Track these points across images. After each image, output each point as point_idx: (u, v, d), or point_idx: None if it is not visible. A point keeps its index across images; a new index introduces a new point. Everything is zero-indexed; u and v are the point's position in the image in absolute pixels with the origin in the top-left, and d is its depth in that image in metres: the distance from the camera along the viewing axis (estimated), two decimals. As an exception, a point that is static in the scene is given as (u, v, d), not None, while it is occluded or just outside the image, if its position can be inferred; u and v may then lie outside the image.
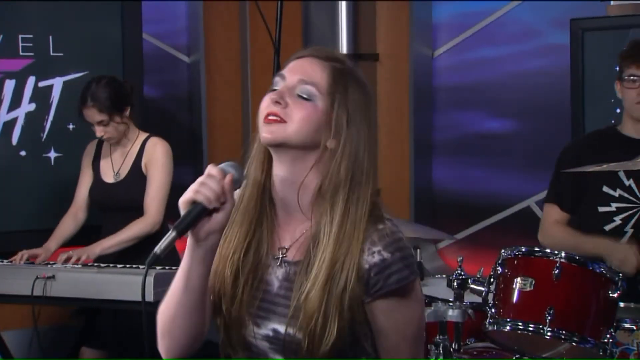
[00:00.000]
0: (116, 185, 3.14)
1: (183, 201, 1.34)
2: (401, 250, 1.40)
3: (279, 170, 1.43)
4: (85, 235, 3.24)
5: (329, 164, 1.39)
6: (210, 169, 1.36)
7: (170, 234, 1.31)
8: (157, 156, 3.11)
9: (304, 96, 1.40)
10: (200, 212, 1.32)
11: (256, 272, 1.43)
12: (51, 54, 3.64)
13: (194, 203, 1.33)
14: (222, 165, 1.38)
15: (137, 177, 3.10)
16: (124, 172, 3.13)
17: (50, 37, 3.64)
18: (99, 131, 3.07)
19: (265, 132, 1.39)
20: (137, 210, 3.08)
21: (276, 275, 1.43)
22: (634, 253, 2.58)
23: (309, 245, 1.40)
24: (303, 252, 1.41)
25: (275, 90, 1.42)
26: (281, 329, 1.40)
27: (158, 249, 1.30)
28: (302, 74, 1.40)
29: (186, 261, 1.38)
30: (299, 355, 1.39)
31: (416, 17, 4.21)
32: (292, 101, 1.40)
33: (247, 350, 1.44)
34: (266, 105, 1.41)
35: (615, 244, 2.62)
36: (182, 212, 1.34)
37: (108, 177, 3.16)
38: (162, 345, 1.44)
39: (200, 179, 1.34)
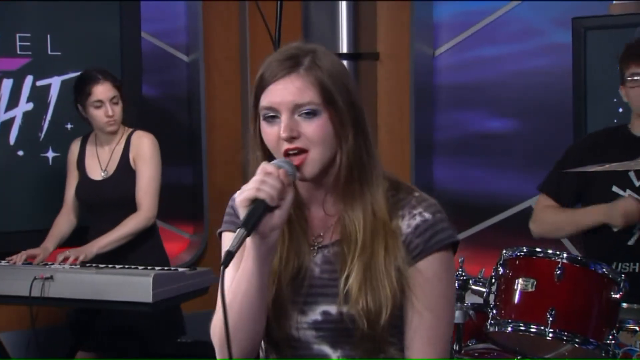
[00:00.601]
0: (104, 182, 3.13)
1: (243, 199, 1.35)
2: (441, 212, 1.46)
3: (305, 193, 1.48)
4: (76, 237, 3.24)
5: (341, 151, 1.43)
6: (265, 167, 1.37)
7: (241, 233, 1.32)
8: (145, 149, 3.10)
9: (309, 113, 1.41)
10: (264, 209, 1.34)
11: (294, 263, 1.45)
12: (49, 53, 3.64)
13: (254, 201, 1.35)
14: (273, 162, 1.40)
15: (125, 172, 3.10)
16: (111, 169, 3.13)
17: (48, 36, 3.64)
18: (110, 110, 3.05)
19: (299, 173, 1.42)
20: (127, 207, 3.07)
21: (314, 261, 1.46)
22: (634, 202, 2.56)
23: (342, 227, 1.44)
24: (338, 233, 1.45)
25: (269, 120, 1.43)
26: (332, 309, 1.42)
27: (232, 247, 1.31)
28: (292, 97, 1.41)
29: (250, 263, 1.39)
30: (353, 335, 1.41)
31: (417, 16, 4.21)
32: (301, 127, 1.41)
33: (288, 344, 1.46)
34: (278, 144, 1.42)
35: (612, 203, 2.60)
36: (242, 210, 1.35)
37: (95, 174, 3.15)
38: (222, 355, 1.43)
39: (258, 177, 1.36)
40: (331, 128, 1.42)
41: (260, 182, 1.35)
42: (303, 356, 1.45)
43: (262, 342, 1.49)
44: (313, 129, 1.40)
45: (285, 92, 1.41)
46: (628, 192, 2.66)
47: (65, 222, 3.22)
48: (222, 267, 1.31)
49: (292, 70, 1.42)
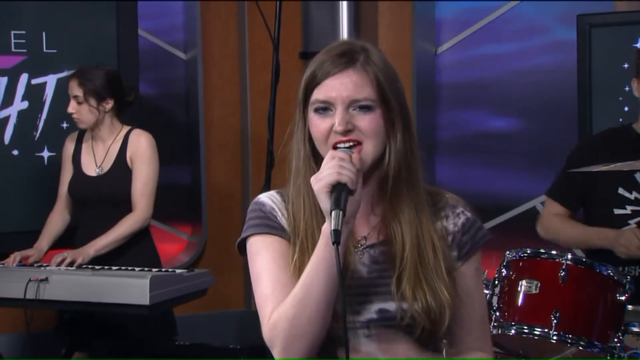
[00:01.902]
0: (99, 178, 3.13)
1: (326, 184, 1.39)
2: (473, 211, 1.55)
3: None
4: (65, 235, 3.23)
5: (390, 150, 1.48)
6: (336, 153, 1.42)
7: (338, 213, 1.36)
8: (143, 148, 3.11)
9: (364, 108, 1.46)
10: (348, 192, 1.39)
11: (343, 267, 1.46)
12: (44, 50, 3.64)
13: (335, 186, 1.38)
14: (339, 149, 1.44)
15: (121, 170, 3.10)
16: (107, 166, 3.12)
17: (44, 34, 3.64)
18: (71, 107, 3.08)
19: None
20: (120, 205, 3.07)
21: (362, 262, 1.50)
22: (636, 235, 2.56)
23: (388, 227, 1.49)
24: (383, 233, 1.50)
25: (321, 112, 1.47)
26: (390, 306, 1.46)
27: (336, 226, 1.35)
28: (349, 92, 1.45)
29: (326, 253, 1.40)
30: (412, 332, 1.45)
31: (419, 14, 4.20)
32: (355, 121, 1.45)
33: (337, 343, 1.46)
34: (329, 137, 1.46)
35: (619, 232, 2.60)
36: (324, 196, 1.38)
37: (90, 170, 3.15)
38: (286, 352, 1.43)
39: (335, 163, 1.39)
40: (383, 124, 1.47)
41: (340, 167, 1.39)
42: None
43: None
44: (367, 122, 1.46)
45: (342, 86, 1.45)
46: (634, 194, 2.66)
47: (58, 219, 3.22)
48: (334, 245, 1.35)
49: (348, 66, 1.47)
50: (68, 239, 3.21)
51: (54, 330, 3.20)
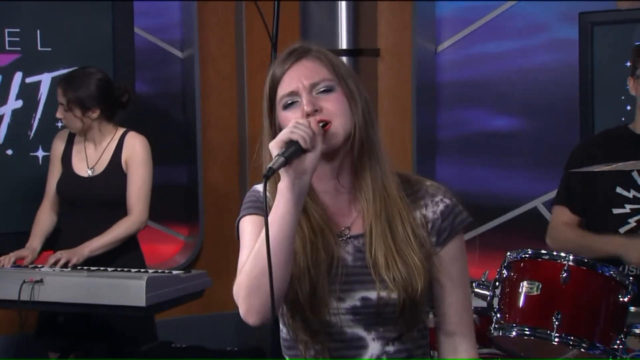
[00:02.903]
0: (92, 179, 3.12)
1: (278, 141, 1.49)
2: (454, 197, 1.65)
3: (319, 169, 1.57)
4: (52, 235, 3.23)
5: (355, 125, 1.58)
6: (296, 119, 1.52)
7: (278, 159, 1.47)
8: (138, 152, 3.11)
9: (326, 89, 1.58)
10: (297, 148, 1.48)
11: (327, 258, 1.58)
12: (39, 48, 3.65)
13: (288, 143, 1.49)
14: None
15: (116, 172, 3.10)
16: (100, 167, 3.12)
17: (38, 32, 3.64)
18: (59, 112, 3.11)
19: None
20: (112, 208, 3.07)
21: (346, 250, 1.60)
22: None
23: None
24: (366, 222, 1.59)
25: (289, 106, 1.57)
26: (371, 295, 1.56)
27: (273, 164, 1.46)
28: (308, 77, 1.57)
29: (281, 207, 1.51)
30: (392, 313, 1.55)
31: (419, 11, 4.21)
32: (321, 102, 1.56)
33: (323, 329, 1.57)
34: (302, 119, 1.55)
35: (631, 241, 2.61)
36: (275, 151, 1.48)
37: (81, 170, 3.15)
38: (248, 304, 1.52)
39: (292, 124, 1.50)
40: (346, 101, 1.58)
41: (294, 127, 1.50)
42: (338, 340, 1.58)
43: (293, 335, 1.60)
44: (332, 102, 1.57)
45: (300, 75, 1.57)
46: (632, 192, 2.67)
47: (47, 218, 3.21)
48: (264, 179, 1.46)
49: (302, 56, 1.59)
50: (53, 239, 3.21)
51: (35, 334, 3.18)
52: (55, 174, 3.20)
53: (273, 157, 1.48)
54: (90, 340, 3.11)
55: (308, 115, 1.54)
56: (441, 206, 1.62)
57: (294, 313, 1.59)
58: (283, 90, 1.57)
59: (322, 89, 1.57)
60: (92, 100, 3.07)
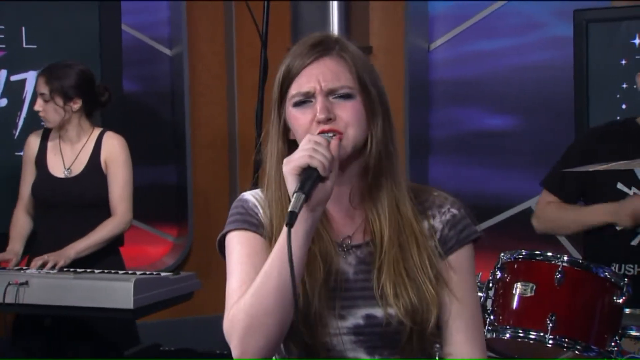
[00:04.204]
0: (68, 181, 3.10)
1: (296, 166, 1.37)
2: (464, 208, 1.55)
3: None
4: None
5: (372, 139, 1.47)
6: (314, 137, 1.39)
7: (300, 196, 1.34)
8: (118, 152, 3.09)
9: (344, 96, 1.46)
10: (317, 177, 1.36)
11: (321, 265, 1.45)
12: (24, 46, 3.63)
13: (306, 170, 1.36)
14: (321, 134, 1.43)
15: (94, 173, 3.08)
16: (78, 168, 3.10)
17: (23, 28, 3.62)
18: (37, 104, 3.06)
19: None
20: (89, 208, 3.05)
21: (348, 262, 1.48)
22: None
23: (372, 226, 1.48)
24: (369, 232, 1.49)
25: (300, 105, 1.46)
26: (377, 312, 1.44)
27: (294, 208, 1.33)
28: (328, 79, 1.45)
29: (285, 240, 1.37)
30: (400, 338, 1.43)
31: (412, 8, 4.21)
32: (336, 109, 1.45)
33: (320, 352, 1.45)
34: (310, 128, 1.45)
35: (619, 204, 2.61)
36: (292, 178, 1.37)
37: (57, 172, 3.12)
38: (245, 346, 1.39)
39: (309, 146, 1.37)
40: (364, 112, 1.46)
41: (313, 151, 1.37)
42: None
43: (285, 350, 1.48)
44: (348, 110, 1.45)
45: (320, 76, 1.45)
46: (633, 189, 2.67)
47: (24, 220, 3.19)
48: (287, 227, 1.32)
49: (324, 54, 1.46)
50: (28, 242, 3.19)
51: (12, 337, 3.16)
52: (29, 175, 3.17)
53: (288, 183, 1.36)
54: (73, 344, 3.09)
55: (319, 122, 1.43)
56: (448, 216, 1.52)
57: (287, 334, 1.43)
58: (298, 87, 1.45)
59: (340, 94, 1.45)
60: (75, 90, 3.05)
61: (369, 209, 1.48)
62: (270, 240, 1.47)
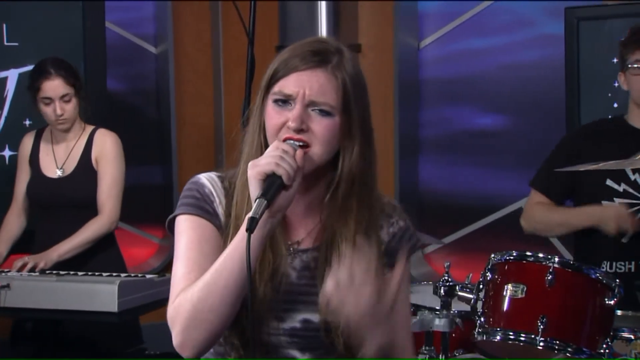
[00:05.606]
0: (61, 180, 3.09)
1: (261, 172, 1.40)
2: (408, 218, 1.61)
3: None
4: (23, 240, 3.20)
5: (343, 161, 1.50)
6: (282, 145, 1.43)
7: (263, 202, 1.38)
8: (109, 149, 3.08)
9: (323, 112, 1.47)
10: (280, 185, 1.40)
11: (270, 264, 1.49)
12: (5, 43, 3.61)
13: (270, 176, 1.40)
14: (288, 142, 1.46)
15: (86, 172, 3.07)
16: (70, 167, 3.09)
17: (4, 25, 3.60)
18: (59, 108, 3.02)
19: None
20: (84, 209, 3.04)
21: (292, 265, 1.52)
22: (624, 210, 2.63)
23: (324, 233, 1.51)
24: (319, 239, 1.52)
25: (279, 104, 1.48)
26: (314, 318, 1.49)
27: (255, 214, 1.37)
28: (313, 92, 1.47)
29: (241, 240, 1.41)
30: (334, 343, 1.47)
31: (401, 6, 4.22)
32: (311, 122, 1.47)
33: (256, 347, 1.49)
34: (280, 130, 1.47)
35: (606, 209, 2.66)
36: (256, 183, 1.40)
37: (50, 172, 3.11)
38: (185, 337, 1.43)
39: (276, 153, 1.41)
40: (339, 133, 1.48)
41: (280, 159, 1.41)
42: (269, 356, 1.50)
43: (223, 338, 1.51)
44: (322, 127, 1.47)
45: (307, 84, 1.47)
46: (623, 186, 2.69)
47: (15, 222, 3.18)
48: (247, 233, 1.36)
49: (319, 65, 1.48)
50: (25, 244, 3.18)
51: (10, 341, 3.16)
52: (23, 176, 3.17)
53: (251, 187, 1.39)
54: (61, 348, 3.08)
55: (289, 128, 1.45)
56: (395, 228, 1.56)
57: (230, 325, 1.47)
58: (283, 86, 1.47)
59: (320, 109, 1.46)
60: (79, 78, 3.07)
61: (327, 217, 1.51)
62: (221, 230, 1.51)
